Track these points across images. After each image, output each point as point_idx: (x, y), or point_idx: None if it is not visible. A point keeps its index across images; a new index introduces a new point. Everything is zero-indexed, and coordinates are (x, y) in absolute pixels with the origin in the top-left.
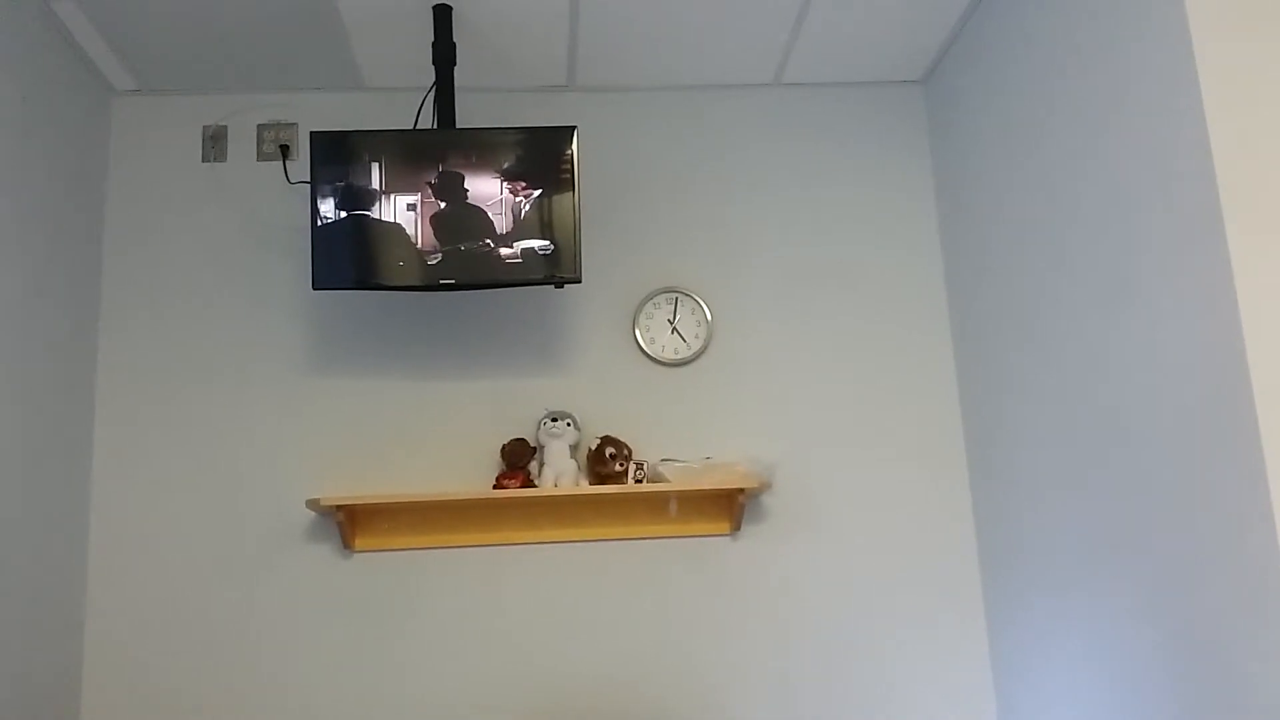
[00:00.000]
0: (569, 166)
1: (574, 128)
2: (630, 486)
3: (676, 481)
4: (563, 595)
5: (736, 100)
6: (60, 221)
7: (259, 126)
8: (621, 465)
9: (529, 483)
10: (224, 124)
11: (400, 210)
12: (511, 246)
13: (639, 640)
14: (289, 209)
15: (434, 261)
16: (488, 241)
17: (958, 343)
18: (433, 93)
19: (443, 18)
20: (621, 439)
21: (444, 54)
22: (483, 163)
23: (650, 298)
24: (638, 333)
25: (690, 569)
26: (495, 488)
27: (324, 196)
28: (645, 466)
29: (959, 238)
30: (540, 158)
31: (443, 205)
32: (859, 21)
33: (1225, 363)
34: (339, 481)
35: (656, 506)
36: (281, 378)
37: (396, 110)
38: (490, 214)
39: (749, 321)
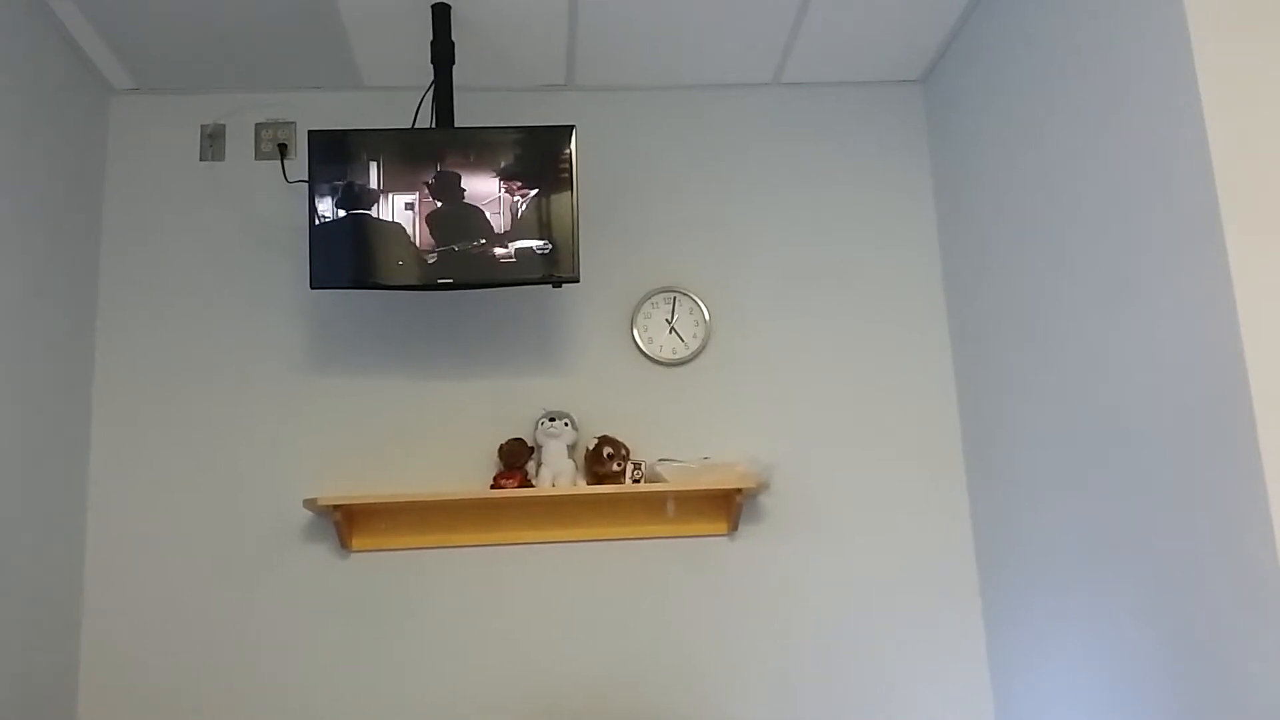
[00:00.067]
0: (567, 166)
1: (572, 127)
2: (628, 486)
3: (674, 481)
4: (560, 595)
5: (736, 100)
6: (58, 220)
7: (257, 125)
8: (619, 465)
9: (526, 483)
10: (222, 123)
11: (399, 209)
12: (509, 246)
13: (636, 640)
14: (287, 208)
15: (432, 261)
16: (485, 241)
17: (956, 343)
18: (431, 92)
19: (441, 17)
20: (619, 439)
21: (443, 53)
22: (481, 162)
23: (648, 297)
24: (636, 332)
25: (688, 569)
26: (493, 487)
27: (322, 196)
28: (643, 466)
29: (958, 238)
30: (539, 157)
31: (440, 205)
32: (858, 21)
33: (1224, 363)
34: (336, 481)
35: (654, 506)
36: (279, 377)
37: (395, 109)
38: (488, 213)
39: (747, 321)
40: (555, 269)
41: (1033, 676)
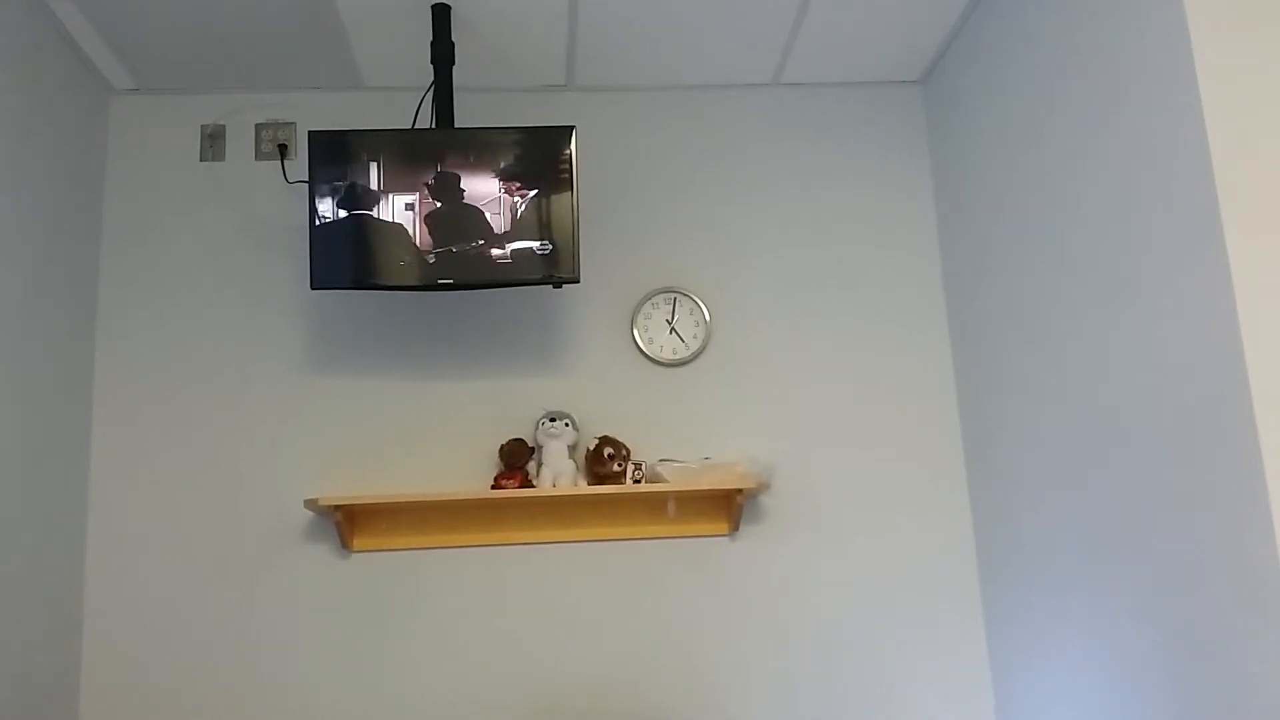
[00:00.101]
0: (567, 166)
1: (573, 128)
2: (628, 487)
3: (675, 482)
4: (561, 595)
5: (736, 100)
6: (58, 220)
7: (257, 126)
8: (620, 465)
9: (527, 483)
10: (222, 123)
11: (399, 210)
12: (509, 246)
13: (637, 641)
14: (287, 208)
15: (433, 261)
16: (486, 241)
17: (956, 343)
18: (431, 92)
19: (441, 17)
20: (620, 439)
21: (443, 53)
22: (481, 162)
23: (649, 298)
24: (636, 333)
25: (689, 569)
26: (493, 488)
27: (322, 196)
28: (643, 467)
29: (958, 238)
30: (539, 157)
31: (441, 205)
32: (858, 22)
33: (1224, 363)
34: (337, 481)
35: (655, 507)
36: (280, 377)
37: (395, 110)
38: (488, 214)
39: (747, 321)
40: (555, 269)
41: (1033, 676)
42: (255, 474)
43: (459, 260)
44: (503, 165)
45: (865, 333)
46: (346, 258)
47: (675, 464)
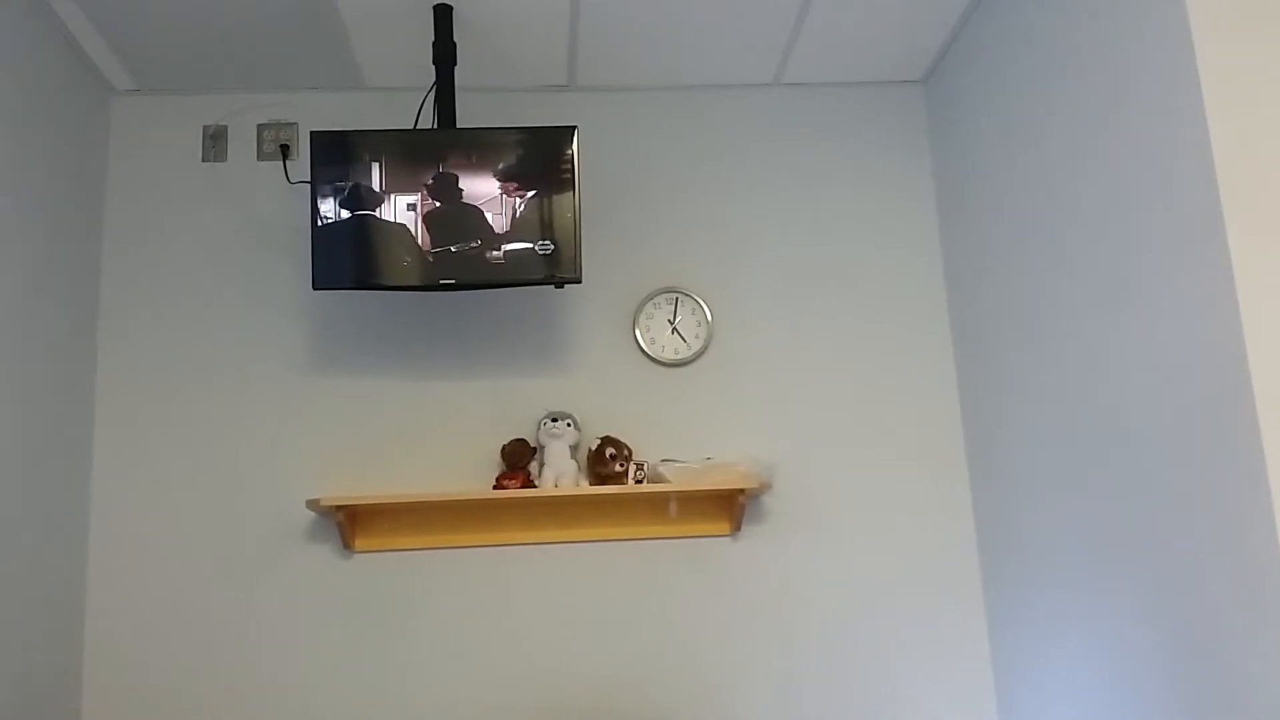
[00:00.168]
0: (569, 166)
1: (574, 128)
2: (630, 487)
3: (677, 482)
4: (563, 596)
5: (737, 100)
6: (60, 221)
7: (259, 126)
8: (622, 466)
9: (529, 483)
10: (224, 124)
11: (401, 210)
12: (511, 246)
13: (639, 641)
14: (289, 209)
15: (435, 262)
16: (487, 242)
17: (958, 343)
18: (433, 92)
19: (443, 17)
20: (622, 439)
21: (444, 54)
22: (483, 162)
23: (650, 298)
24: (638, 333)
25: (691, 569)
26: (495, 488)
27: (324, 196)
28: (645, 467)
29: (959, 238)
30: (540, 158)
31: (442, 205)
32: (859, 21)
33: (1226, 362)
34: (339, 482)
35: (657, 507)
36: (282, 378)
37: (397, 110)
38: (490, 214)
39: (749, 322)
40: (557, 269)
41: (1035, 676)
42: (257, 474)
43: (461, 260)
44: (505, 165)
45: (867, 333)
46: (348, 258)
47: (677, 464)
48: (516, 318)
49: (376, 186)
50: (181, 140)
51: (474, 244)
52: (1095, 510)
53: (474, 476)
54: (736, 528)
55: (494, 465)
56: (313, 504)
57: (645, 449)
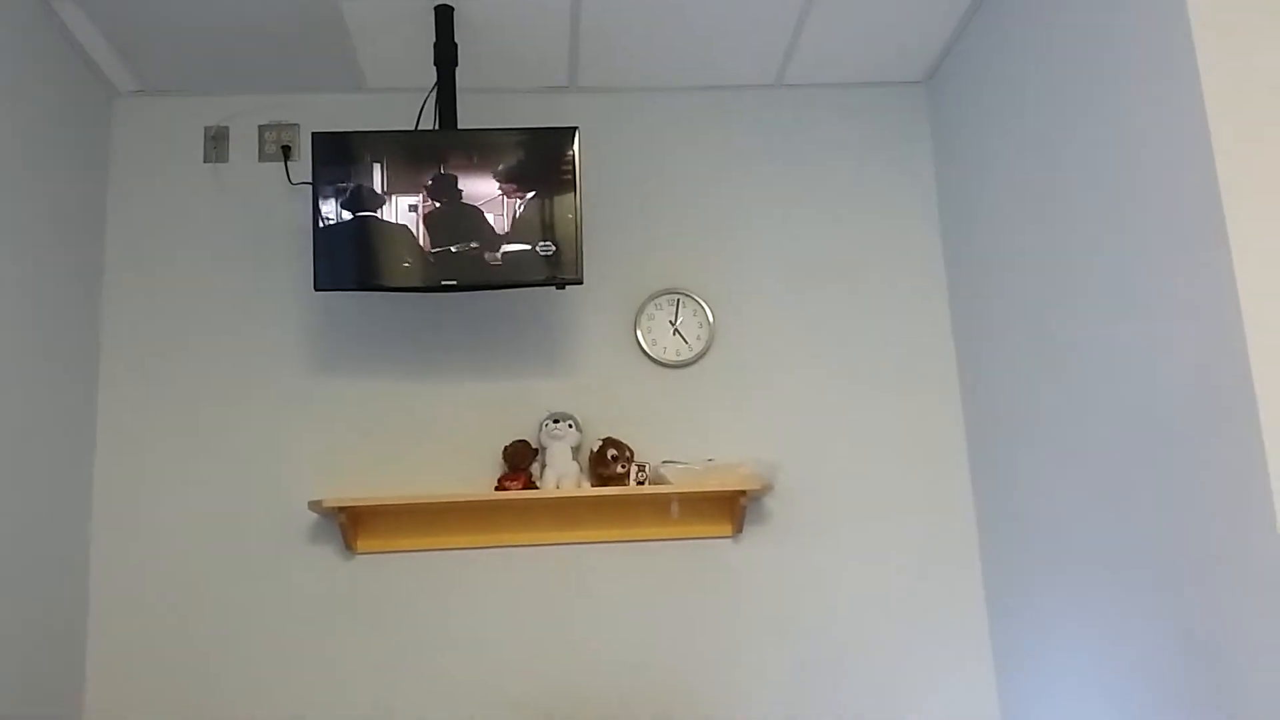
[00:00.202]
0: (570, 167)
1: (575, 128)
2: (632, 488)
3: (678, 483)
4: (564, 597)
5: (738, 101)
6: (63, 222)
7: (261, 127)
8: (623, 467)
9: (531, 484)
10: (226, 125)
11: (403, 211)
12: (512, 248)
13: (642, 642)
14: (290, 210)
15: (436, 263)
16: (489, 243)
17: (960, 344)
18: (434, 93)
19: (444, 18)
20: (623, 441)
21: (446, 55)
22: (484, 163)
23: (652, 299)
24: (639, 334)
25: (692, 571)
26: (497, 489)
27: (326, 197)
28: (647, 468)
29: (961, 239)
30: (542, 158)
31: (443, 206)
32: (861, 22)
33: (1228, 361)
34: (341, 483)
35: (658, 508)
36: (283, 379)
37: (398, 111)
38: (491, 215)
39: (751, 323)
40: (558, 271)
41: (1037, 678)
42: (259, 475)
43: (462, 261)
44: (506, 166)
45: (869, 334)
46: (350, 259)
47: (679, 465)
48: (518, 319)
49: (378, 187)
50: (183, 141)
51: (475, 245)
52: (1097, 511)
53: (476, 478)
54: (738, 529)
55: (496, 466)
56: (314, 505)
57: (647, 450)
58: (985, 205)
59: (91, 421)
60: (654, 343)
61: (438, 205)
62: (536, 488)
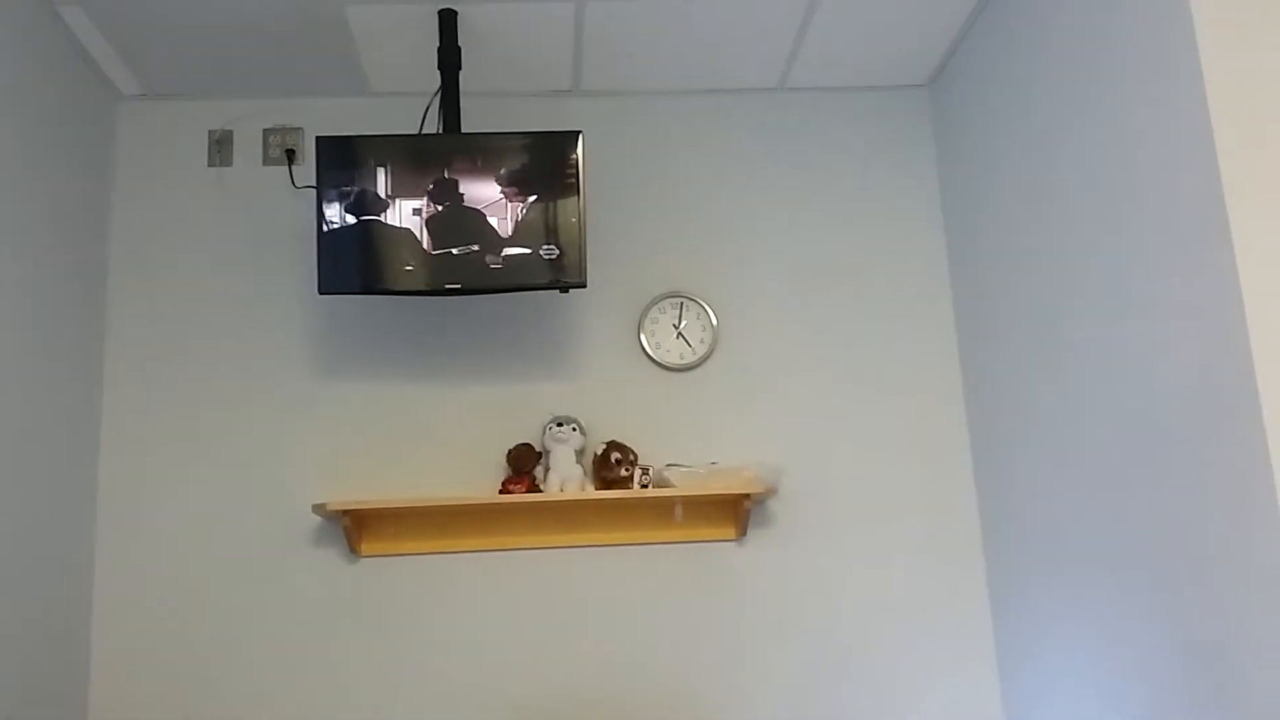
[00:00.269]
0: (574, 171)
1: (579, 132)
2: (636, 492)
3: (682, 486)
4: (568, 600)
5: (741, 105)
6: (67, 225)
7: (265, 131)
8: (627, 470)
9: (534, 488)
10: (230, 128)
11: (407, 215)
12: (514, 251)
13: (645, 645)
14: (294, 213)
15: (440, 266)
16: (493, 246)
17: (963, 346)
18: (438, 98)
19: (448, 23)
20: (627, 444)
21: (449, 59)
22: (488, 167)
23: (655, 302)
24: (643, 338)
25: (696, 574)
26: (501, 493)
27: (330, 201)
28: (651, 471)
29: (964, 242)
30: (545, 162)
31: (446, 210)
32: (864, 26)
33: (1231, 361)
34: (345, 486)
35: (662, 512)
36: (287, 382)
37: (402, 115)
38: (495, 219)
39: (754, 326)
40: (562, 274)
41: (1041, 678)
42: (263, 479)
43: (466, 265)
44: (510, 170)
45: (872, 337)
46: (354, 262)
47: (682, 469)
48: (521, 322)
49: (382, 191)
50: (187, 145)
51: (478, 248)
52: (1100, 513)
53: (479, 481)
54: (742, 532)
55: (499, 470)
56: (318, 508)
57: (650, 453)
58: (989, 208)
59: (95, 424)
60: (658, 346)
61: (441, 209)
62: (540, 491)
